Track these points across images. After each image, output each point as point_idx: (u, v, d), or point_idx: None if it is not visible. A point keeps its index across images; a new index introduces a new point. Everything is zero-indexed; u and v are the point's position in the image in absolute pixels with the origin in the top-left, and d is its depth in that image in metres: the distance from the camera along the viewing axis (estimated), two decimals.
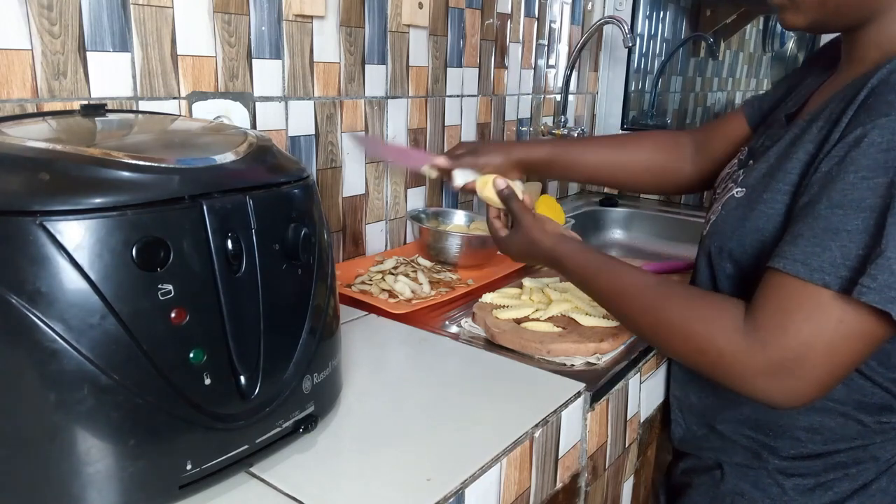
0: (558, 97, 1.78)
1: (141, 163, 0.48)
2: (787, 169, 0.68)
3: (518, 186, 0.88)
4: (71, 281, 0.44)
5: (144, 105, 0.84)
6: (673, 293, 0.69)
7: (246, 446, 0.55)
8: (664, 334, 0.69)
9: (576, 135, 1.75)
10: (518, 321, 0.91)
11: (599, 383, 0.79)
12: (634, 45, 1.81)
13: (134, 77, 0.83)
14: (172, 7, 0.85)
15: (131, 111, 0.81)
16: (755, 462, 0.79)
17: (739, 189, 0.75)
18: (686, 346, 0.66)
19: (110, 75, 0.80)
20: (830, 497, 0.75)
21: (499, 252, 0.92)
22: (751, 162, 0.78)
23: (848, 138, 0.60)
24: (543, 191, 1.77)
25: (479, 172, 0.94)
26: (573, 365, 0.83)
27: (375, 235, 1.25)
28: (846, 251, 0.57)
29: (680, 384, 0.89)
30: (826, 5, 0.68)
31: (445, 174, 0.97)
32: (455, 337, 0.91)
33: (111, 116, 0.66)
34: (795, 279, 0.59)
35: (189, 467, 0.51)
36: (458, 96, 1.39)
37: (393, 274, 1.07)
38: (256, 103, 0.98)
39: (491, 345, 0.88)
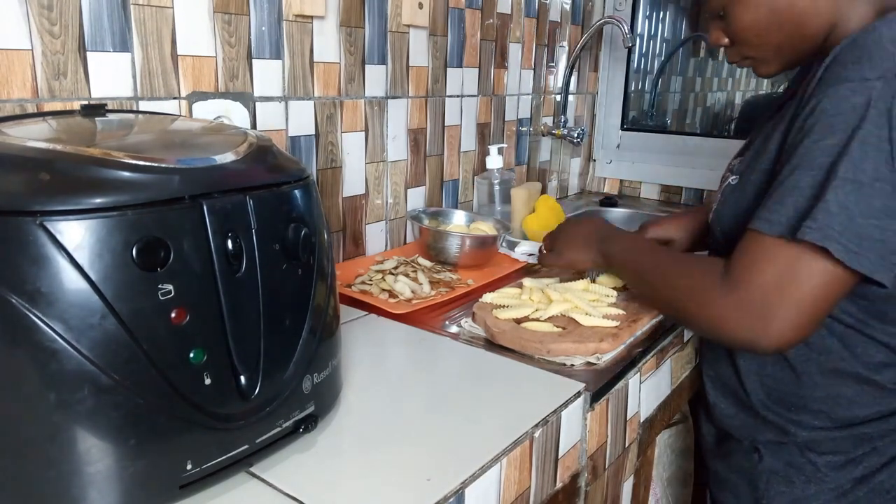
0: (558, 97, 1.78)
1: (141, 163, 0.48)
2: (768, 149, 0.76)
3: None
4: (71, 281, 0.44)
5: (144, 105, 0.84)
6: (673, 260, 0.84)
7: (246, 446, 0.55)
8: (667, 292, 0.80)
9: (576, 135, 1.75)
10: (518, 321, 0.91)
11: (599, 383, 0.79)
12: (634, 45, 1.81)
13: (134, 77, 0.83)
14: (172, 7, 0.85)
15: (131, 111, 0.81)
16: (784, 437, 0.83)
17: (734, 177, 0.84)
18: (678, 298, 0.78)
19: (110, 75, 0.80)
20: (861, 471, 0.79)
21: (546, 244, 1.03)
22: (747, 152, 0.85)
23: (806, 110, 0.69)
24: (543, 191, 1.77)
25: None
26: (573, 365, 0.83)
27: (375, 235, 1.25)
28: (798, 204, 0.66)
29: (710, 363, 0.93)
30: (782, 49, 0.79)
31: None
32: (455, 337, 0.91)
33: (111, 116, 0.66)
34: (759, 233, 0.69)
35: (189, 467, 0.51)
36: (458, 96, 1.39)
37: (393, 274, 1.07)
38: (256, 103, 0.98)
39: (491, 345, 0.88)
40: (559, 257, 0.99)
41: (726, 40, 0.82)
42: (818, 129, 0.66)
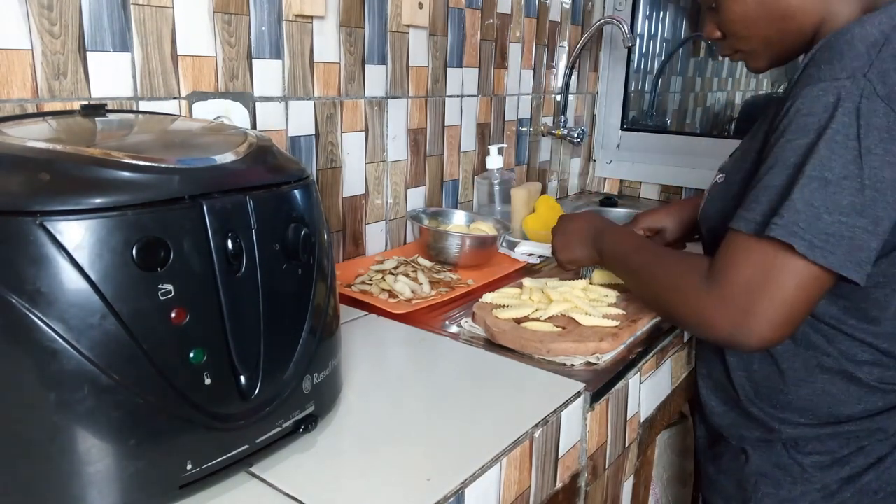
0: (558, 97, 1.78)
1: (141, 163, 0.48)
2: (752, 148, 0.78)
3: None
4: (71, 281, 0.44)
5: (144, 105, 0.84)
6: (660, 257, 0.84)
7: (246, 446, 0.55)
8: (654, 288, 0.82)
9: (576, 135, 1.75)
10: (518, 321, 0.91)
11: (599, 383, 0.79)
12: (634, 45, 1.81)
13: (134, 77, 0.83)
14: (172, 7, 0.85)
15: (131, 111, 0.81)
16: (770, 435, 0.83)
17: (720, 175, 0.86)
18: (665, 295, 0.79)
19: (110, 75, 0.80)
20: (847, 472, 0.79)
21: (554, 234, 1.02)
22: (737, 153, 0.87)
23: (782, 112, 0.71)
24: (543, 191, 1.77)
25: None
26: (573, 365, 0.83)
27: (375, 235, 1.25)
28: (772, 202, 0.68)
29: (704, 361, 0.94)
30: (771, 42, 0.80)
31: None
32: (455, 337, 0.91)
33: (111, 116, 0.66)
34: (737, 232, 0.70)
35: (189, 467, 0.51)
36: (458, 96, 1.39)
37: (393, 274, 1.07)
38: (256, 103, 0.98)
39: (491, 345, 0.88)
40: (563, 255, 1.00)
41: (718, 33, 0.84)
42: (792, 128, 0.68)
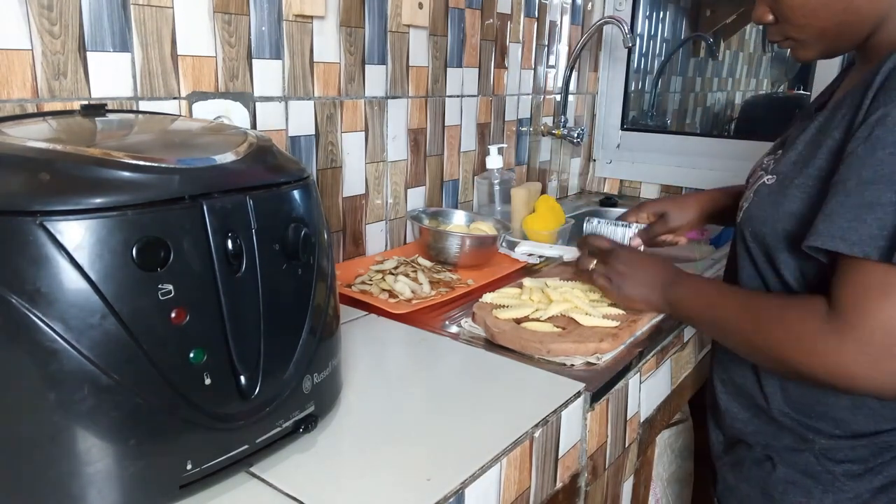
0: (558, 97, 1.78)
1: (141, 163, 0.48)
2: (816, 155, 0.71)
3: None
4: (71, 281, 0.44)
5: (144, 105, 0.84)
6: (759, 302, 0.74)
7: (246, 446, 0.55)
8: (758, 342, 0.72)
9: (576, 135, 1.75)
10: (518, 321, 0.91)
11: (599, 383, 0.79)
12: (634, 45, 1.81)
13: (134, 77, 0.83)
14: (172, 7, 0.85)
15: (131, 111, 0.81)
16: (802, 444, 0.80)
17: (770, 177, 0.78)
18: (778, 347, 0.69)
19: (110, 75, 0.80)
20: (881, 481, 0.76)
21: (609, 260, 0.94)
22: (779, 152, 0.82)
23: (871, 119, 0.64)
24: (543, 191, 1.77)
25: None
26: (573, 365, 0.83)
27: (375, 235, 1.25)
28: (885, 223, 0.60)
29: (723, 366, 0.89)
30: (826, 34, 0.74)
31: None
32: (455, 337, 0.91)
33: (111, 116, 0.66)
34: (862, 260, 0.62)
35: (189, 467, 0.51)
36: (458, 96, 1.39)
37: (393, 274, 1.07)
38: (256, 103, 0.98)
39: (491, 345, 0.88)
40: (619, 291, 0.91)
41: (771, 17, 0.78)
42: (893, 140, 0.62)
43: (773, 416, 0.82)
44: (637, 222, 1.11)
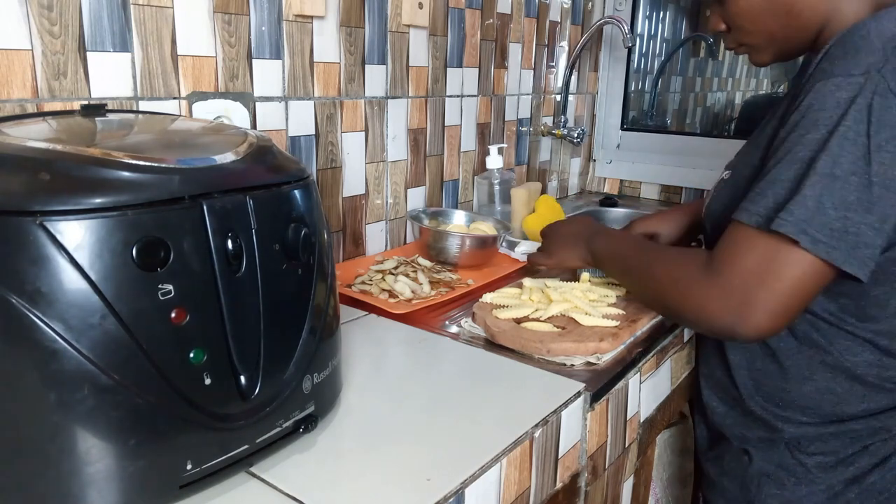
0: (558, 97, 1.78)
1: (141, 163, 0.48)
2: (759, 144, 0.79)
3: None
4: (71, 281, 0.44)
5: (144, 105, 0.84)
6: (656, 252, 0.85)
7: (246, 446, 0.55)
8: (652, 284, 0.81)
9: (576, 135, 1.75)
10: (518, 321, 0.91)
11: (599, 383, 0.79)
12: (634, 45, 1.81)
13: (134, 77, 0.83)
14: (172, 7, 0.85)
15: (131, 111, 0.81)
16: (773, 434, 0.83)
17: (727, 172, 0.86)
18: (662, 289, 0.78)
19: (110, 75, 0.80)
20: (852, 472, 0.79)
21: (544, 237, 1.04)
22: (743, 150, 0.87)
23: (795, 105, 0.70)
24: (543, 191, 1.77)
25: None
26: (573, 365, 0.83)
27: (375, 235, 1.25)
28: (777, 196, 0.68)
29: (705, 361, 0.94)
30: (775, 38, 0.80)
31: None
32: (455, 337, 0.91)
33: (111, 116, 0.66)
34: (740, 224, 0.70)
35: (189, 467, 0.51)
36: (458, 96, 1.39)
37: (393, 274, 1.07)
38: (256, 103, 0.98)
39: (491, 345, 0.88)
40: (549, 257, 1.01)
41: (723, 26, 0.84)
42: (803, 123, 0.68)
43: (746, 406, 0.86)
44: None
